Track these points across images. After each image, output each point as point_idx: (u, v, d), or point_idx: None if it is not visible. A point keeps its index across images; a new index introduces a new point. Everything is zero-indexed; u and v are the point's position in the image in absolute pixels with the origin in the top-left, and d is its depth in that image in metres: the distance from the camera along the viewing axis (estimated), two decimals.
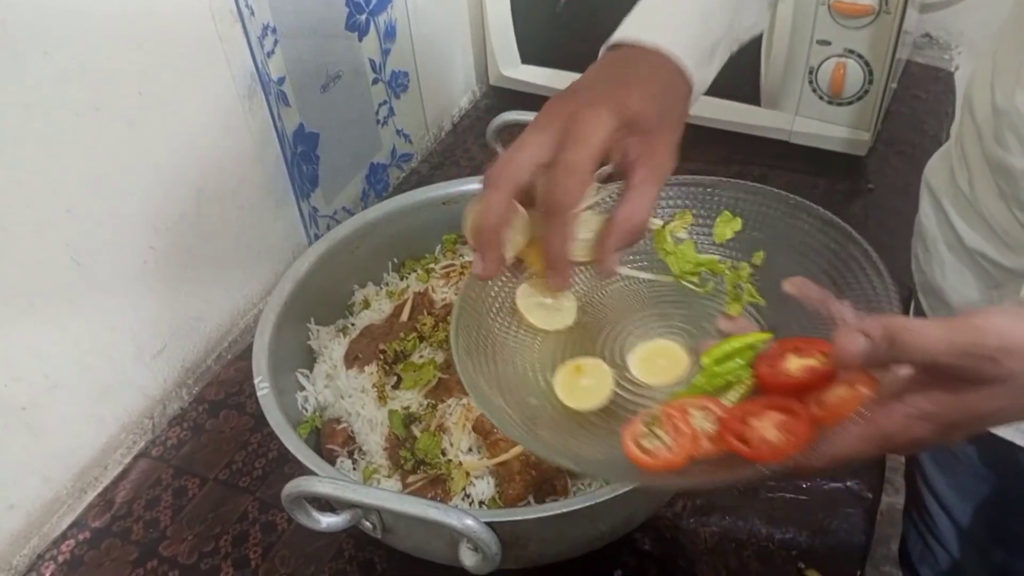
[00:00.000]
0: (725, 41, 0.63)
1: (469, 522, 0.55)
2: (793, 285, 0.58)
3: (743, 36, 0.65)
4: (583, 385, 0.58)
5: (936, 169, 0.81)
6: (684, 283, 0.62)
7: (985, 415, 0.46)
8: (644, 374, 0.59)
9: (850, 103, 1.08)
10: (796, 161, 1.13)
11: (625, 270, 0.64)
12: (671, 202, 0.64)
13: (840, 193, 1.11)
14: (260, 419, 0.88)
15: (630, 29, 0.60)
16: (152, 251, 0.84)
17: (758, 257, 0.62)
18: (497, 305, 0.61)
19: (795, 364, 0.52)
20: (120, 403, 0.85)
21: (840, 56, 1.04)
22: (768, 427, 0.49)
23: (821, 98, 1.08)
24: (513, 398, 0.56)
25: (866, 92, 1.06)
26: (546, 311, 0.60)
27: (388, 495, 0.58)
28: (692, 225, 0.63)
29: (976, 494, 0.95)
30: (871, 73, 1.04)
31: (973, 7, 1.30)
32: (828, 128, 1.11)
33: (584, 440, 0.54)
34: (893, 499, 1.22)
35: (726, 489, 0.79)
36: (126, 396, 0.86)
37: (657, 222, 0.64)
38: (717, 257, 0.62)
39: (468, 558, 0.58)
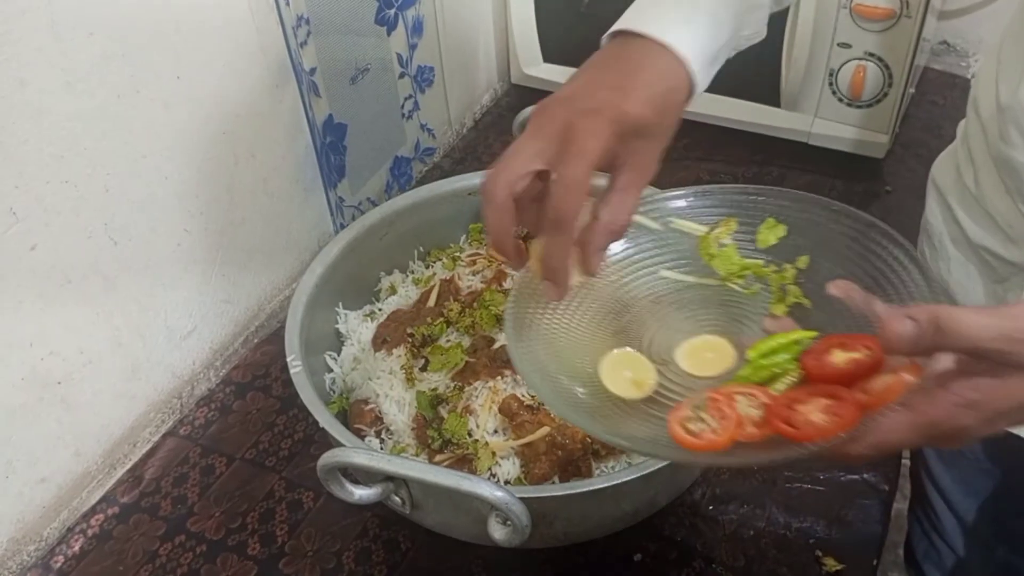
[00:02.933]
0: (726, 48, 0.62)
1: (500, 494, 0.57)
2: (837, 287, 0.58)
3: (742, 45, 0.65)
4: (627, 376, 0.59)
5: (943, 167, 0.83)
6: (729, 285, 0.64)
7: None
8: (691, 366, 0.60)
9: (869, 106, 1.09)
10: (814, 162, 1.15)
11: (669, 273, 0.65)
12: (715, 210, 0.65)
13: (858, 195, 1.12)
14: (286, 401, 0.90)
15: (638, 19, 0.58)
16: (186, 233, 0.86)
17: (802, 261, 0.62)
18: (547, 303, 0.61)
19: (840, 357, 0.53)
20: (150, 382, 0.87)
21: (860, 59, 1.06)
22: (814, 411, 0.50)
23: (840, 100, 1.10)
24: (561, 385, 0.57)
25: (885, 95, 1.08)
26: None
27: (422, 466, 0.60)
28: (735, 232, 0.64)
29: (981, 490, 0.96)
30: (891, 76, 1.06)
31: (990, 15, 1.32)
32: (847, 130, 1.12)
33: (630, 425, 0.56)
34: (900, 505, 1.24)
35: (765, 468, 0.80)
36: (156, 375, 0.87)
37: (702, 228, 0.65)
38: (761, 261, 0.63)
39: (497, 531, 0.60)
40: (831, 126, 1.12)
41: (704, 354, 0.60)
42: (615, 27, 0.59)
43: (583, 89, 0.56)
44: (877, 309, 0.55)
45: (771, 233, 0.64)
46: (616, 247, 0.64)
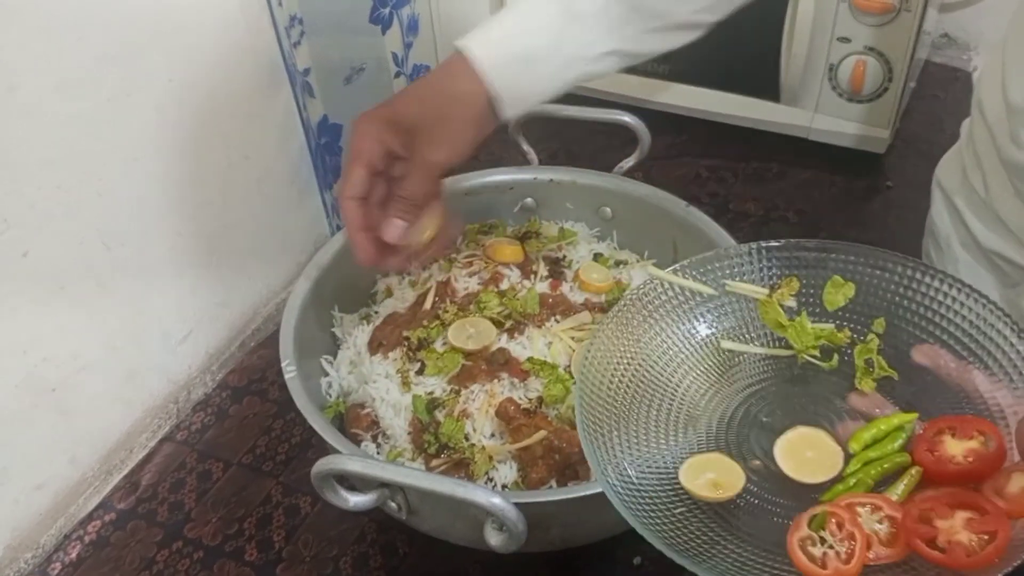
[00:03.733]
0: (552, 54, 0.67)
1: (496, 500, 0.56)
2: (923, 354, 0.55)
3: (586, 52, 0.68)
4: (709, 478, 0.53)
5: (948, 168, 0.81)
6: (806, 358, 0.59)
7: None
8: (794, 469, 0.53)
9: (869, 101, 1.08)
10: (815, 158, 1.14)
11: (737, 346, 0.61)
12: (773, 270, 0.61)
13: (859, 190, 1.11)
14: (283, 405, 0.90)
15: (463, 37, 0.68)
16: (179, 237, 0.85)
17: (879, 325, 0.58)
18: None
19: (958, 449, 0.49)
20: (146, 387, 0.87)
21: (860, 54, 1.05)
22: (959, 528, 0.45)
23: (840, 95, 1.09)
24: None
25: (885, 90, 1.07)
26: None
27: (417, 473, 0.59)
28: (798, 293, 0.60)
29: None
30: (891, 71, 1.05)
31: (991, 8, 1.30)
32: (847, 125, 1.11)
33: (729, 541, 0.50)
34: None
35: None
36: (152, 380, 0.87)
37: (762, 291, 0.61)
38: (833, 326, 0.59)
39: (493, 537, 0.59)
40: (831, 121, 1.11)
41: (804, 452, 0.54)
42: (455, 43, 0.69)
43: (386, 102, 0.70)
44: (977, 381, 0.52)
45: (839, 293, 0.59)
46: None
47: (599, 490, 0.61)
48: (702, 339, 0.61)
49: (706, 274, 0.62)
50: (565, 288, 0.84)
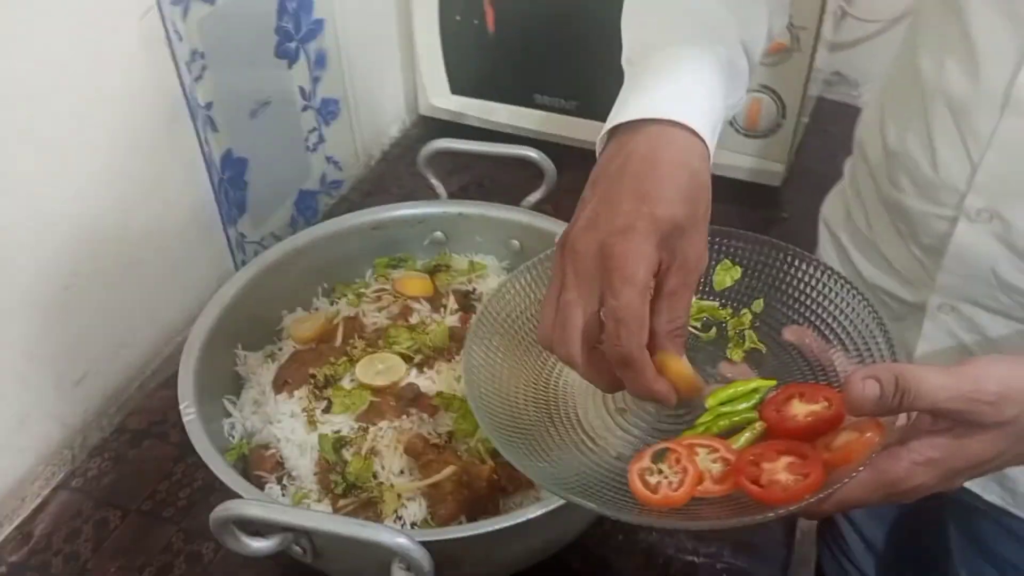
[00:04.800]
0: (721, 116, 0.59)
1: (401, 540, 0.55)
2: (793, 333, 0.59)
3: (728, 113, 0.62)
4: None
5: (832, 207, 0.84)
6: (689, 328, 0.62)
7: (985, 460, 0.48)
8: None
9: (765, 136, 1.13)
10: (717, 191, 1.14)
11: None
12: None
13: (757, 221, 1.15)
14: (184, 448, 0.87)
15: (632, 108, 0.54)
16: (75, 276, 0.82)
17: (757, 305, 0.63)
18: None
19: (801, 409, 0.53)
20: (39, 433, 0.83)
21: (755, 92, 1.09)
22: (780, 470, 0.49)
23: (738, 131, 1.13)
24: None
25: (779, 126, 1.11)
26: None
27: (318, 516, 0.58)
28: None
29: (887, 515, 0.99)
30: (784, 108, 1.10)
31: (879, 47, 1.38)
32: (745, 160, 1.15)
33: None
34: (809, 523, 1.26)
35: (728, 530, 0.77)
36: (45, 426, 0.83)
37: None
38: (717, 304, 0.64)
39: None
40: (731, 156, 1.15)
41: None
42: (608, 125, 0.55)
43: (603, 208, 0.51)
44: (834, 359, 0.55)
45: (727, 275, 0.63)
46: None
47: (507, 524, 0.61)
48: None
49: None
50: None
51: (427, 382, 0.77)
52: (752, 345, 0.62)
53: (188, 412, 0.69)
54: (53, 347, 0.82)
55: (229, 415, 0.79)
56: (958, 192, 0.62)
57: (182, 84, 0.88)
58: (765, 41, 0.67)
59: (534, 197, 0.92)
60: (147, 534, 0.79)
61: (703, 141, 0.54)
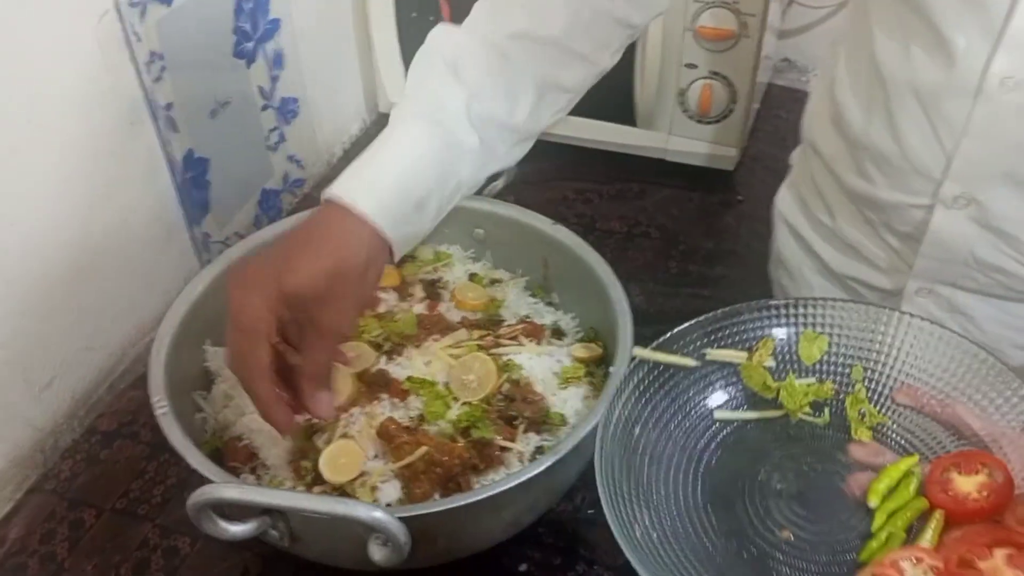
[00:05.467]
0: (438, 192, 0.68)
1: (378, 514, 0.57)
2: (906, 395, 0.57)
3: (468, 180, 0.71)
4: None
5: (787, 201, 0.84)
6: (800, 416, 0.60)
7: None
8: (333, 473, 0.68)
9: (718, 121, 1.16)
10: (673, 177, 1.21)
11: (730, 414, 0.62)
12: (750, 334, 0.62)
13: (714, 205, 1.18)
14: (156, 447, 0.87)
15: (336, 185, 0.66)
16: (41, 279, 0.82)
17: (857, 372, 0.60)
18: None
19: (968, 484, 0.51)
20: (9, 437, 0.83)
21: (706, 78, 1.12)
22: (1000, 565, 0.47)
23: (691, 117, 1.16)
24: None
25: (731, 111, 1.15)
26: None
27: (295, 495, 0.60)
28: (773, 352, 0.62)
29: None
30: (735, 93, 1.13)
31: (826, 33, 1.42)
32: (699, 145, 1.18)
33: None
34: None
35: None
36: (15, 430, 0.83)
37: (742, 355, 0.62)
38: (815, 380, 0.61)
39: (377, 552, 0.60)
40: (685, 142, 1.18)
41: (339, 459, 0.69)
42: (324, 194, 0.66)
43: (264, 260, 0.64)
44: (964, 416, 0.54)
45: (813, 346, 0.61)
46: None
47: (478, 498, 0.63)
48: (699, 414, 0.63)
49: (680, 346, 0.63)
50: (443, 308, 0.86)
51: (397, 368, 0.79)
52: (874, 419, 0.59)
53: (160, 406, 0.70)
54: (20, 351, 0.82)
55: (201, 410, 0.80)
56: (933, 180, 0.63)
57: (142, 85, 0.89)
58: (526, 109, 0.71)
59: (497, 186, 0.94)
60: (123, 531, 0.80)
61: (373, 226, 0.63)
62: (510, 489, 0.63)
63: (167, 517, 0.81)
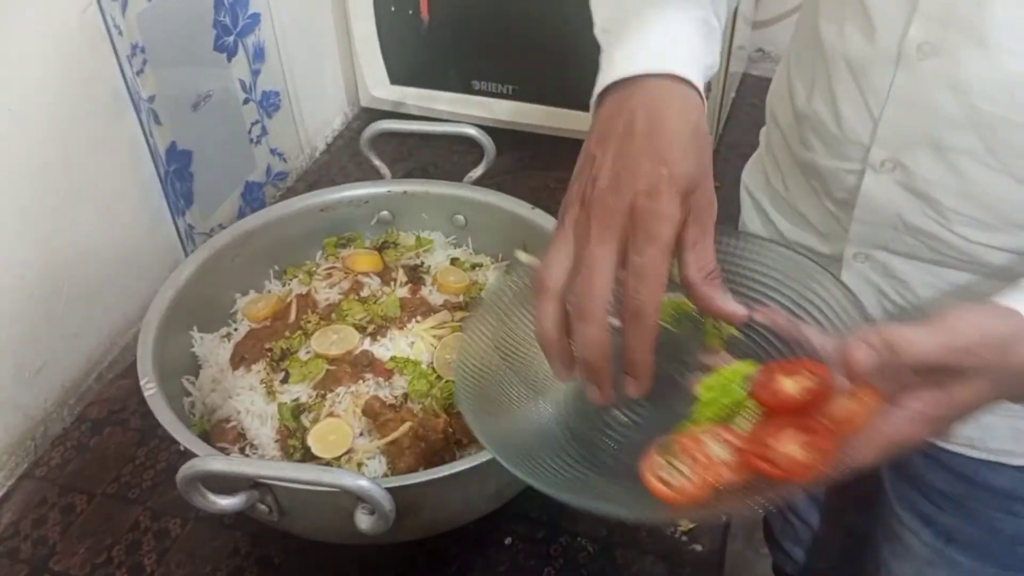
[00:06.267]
0: (705, 78, 0.59)
1: (363, 482, 0.58)
2: (762, 315, 0.59)
3: (708, 74, 0.62)
4: None
5: (752, 174, 0.88)
6: (664, 325, 0.62)
7: (970, 405, 0.50)
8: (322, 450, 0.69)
9: None
10: None
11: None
12: None
13: None
14: (146, 433, 0.89)
15: (627, 63, 0.56)
16: (28, 267, 0.84)
17: None
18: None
19: (791, 385, 0.53)
20: (0, 424, 0.84)
21: None
22: (792, 446, 0.50)
23: None
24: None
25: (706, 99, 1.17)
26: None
27: (282, 465, 0.61)
28: None
29: None
30: (709, 82, 1.15)
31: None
32: None
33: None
34: None
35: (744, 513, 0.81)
36: (6, 416, 0.84)
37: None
38: (682, 296, 0.62)
39: (364, 522, 0.61)
40: None
41: (328, 436, 0.70)
42: (602, 84, 0.57)
43: (623, 168, 0.53)
44: (806, 332, 0.57)
45: (675, 268, 0.62)
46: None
47: (461, 468, 0.65)
48: None
49: None
50: (425, 291, 0.88)
51: (381, 349, 0.81)
52: (728, 331, 0.62)
53: (149, 387, 0.71)
54: (10, 338, 0.83)
55: (189, 394, 0.81)
56: (863, 146, 0.66)
57: (124, 78, 0.90)
58: (726, 5, 0.69)
59: (476, 172, 0.96)
60: (114, 515, 0.81)
61: (699, 93, 0.56)
62: (492, 459, 0.65)
63: (158, 500, 0.83)
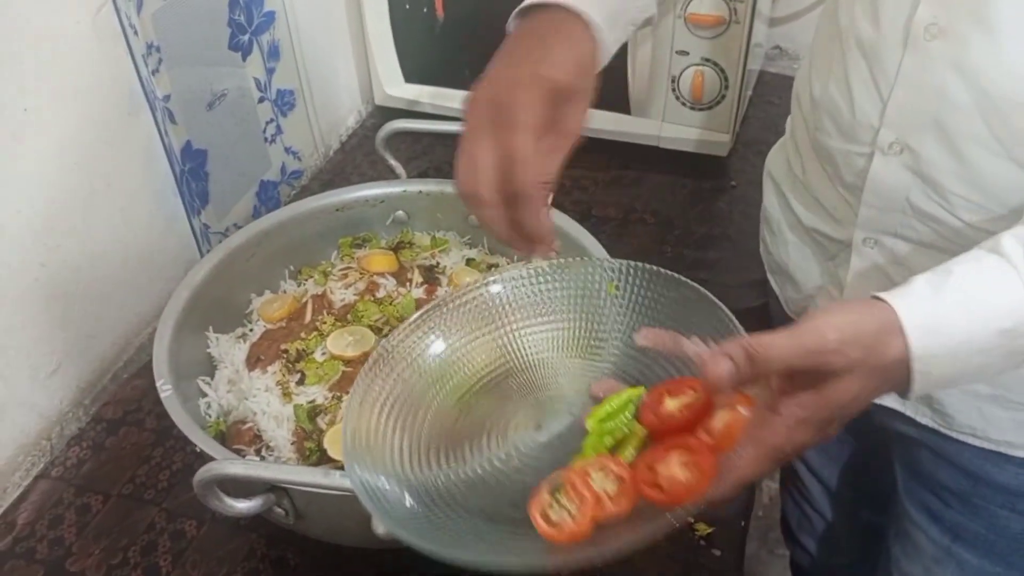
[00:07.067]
0: (624, 14, 0.66)
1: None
2: (643, 337, 0.61)
3: (637, 17, 0.69)
4: None
5: (775, 159, 0.89)
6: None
7: (848, 403, 0.51)
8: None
9: (710, 108, 1.17)
10: (666, 163, 1.22)
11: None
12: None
13: (707, 190, 1.20)
14: (161, 434, 0.89)
15: None
16: (43, 268, 0.83)
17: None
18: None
19: (673, 404, 0.54)
20: (16, 424, 0.84)
21: (698, 65, 1.14)
22: (675, 467, 0.50)
23: (684, 104, 1.17)
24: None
25: (723, 97, 1.16)
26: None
27: (300, 469, 0.61)
28: None
29: (839, 456, 1.04)
30: (727, 79, 1.14)
31: (815, 21, 1.43)
32: (692, 132, 1.20)
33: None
34: (776, 483, 1.31)
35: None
36: (22, 417, 0.85)
37: None
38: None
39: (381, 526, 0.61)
40: (678, 129, 1.20)
41: None
42: (520, 7, 0.63)
43: (504, 68, 0.60)
44: (687, 349, 0.57)
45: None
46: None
47: None
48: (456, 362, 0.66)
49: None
50: (440, 292, 0.88)
51: None
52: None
53: (165, 389, 0.71)
54: (25, 339, 0.84)
55: (204, 395, 0.81)
56: (872, 128, 0.67)
57: (140, 77, 0.90)
58: None
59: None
60: (130, 516, 0.81)
61: (595, 28, 0.61)
62: None
63: (173, 501, 0.82)
